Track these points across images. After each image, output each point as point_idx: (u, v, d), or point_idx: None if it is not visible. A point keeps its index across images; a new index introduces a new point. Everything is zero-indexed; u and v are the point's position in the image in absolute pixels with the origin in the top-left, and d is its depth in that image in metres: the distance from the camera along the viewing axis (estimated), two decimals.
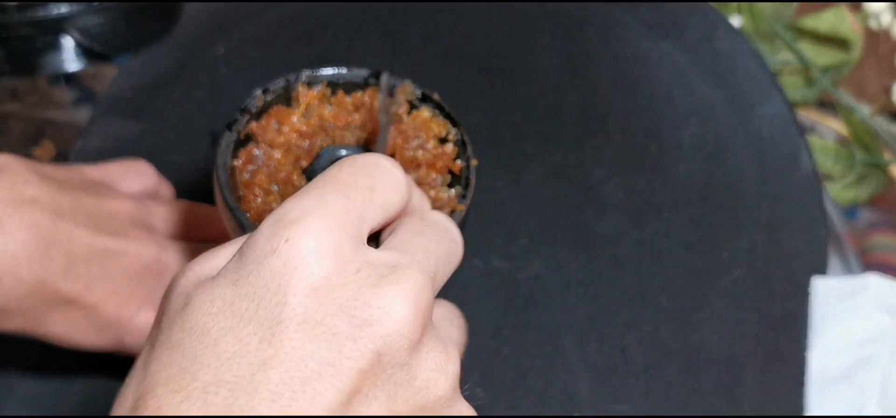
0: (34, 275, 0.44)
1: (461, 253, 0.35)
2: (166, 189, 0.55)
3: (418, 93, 0.46)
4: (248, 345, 0.28)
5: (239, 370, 0.28)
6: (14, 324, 0.45)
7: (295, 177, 0.44)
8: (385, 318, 0.29)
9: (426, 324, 0.30)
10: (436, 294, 0.33)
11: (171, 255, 0.48)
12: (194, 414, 0.27)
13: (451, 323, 0.34)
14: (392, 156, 0.45)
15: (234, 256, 0.31)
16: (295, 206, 0.30)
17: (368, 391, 0.29)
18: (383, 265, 0.30)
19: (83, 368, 0.52)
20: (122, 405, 0.29)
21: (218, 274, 0.30)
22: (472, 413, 0.32)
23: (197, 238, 0.51)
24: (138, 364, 0.30)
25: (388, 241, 0.33)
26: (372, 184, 0.32)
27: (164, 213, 0.51)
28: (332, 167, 0.32)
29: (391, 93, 0.45)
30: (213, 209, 0.51)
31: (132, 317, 0.47)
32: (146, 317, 0.47)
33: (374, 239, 0.34)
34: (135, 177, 0.52)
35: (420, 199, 0.36)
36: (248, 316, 0.29)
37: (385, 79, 0.44)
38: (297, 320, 0.29)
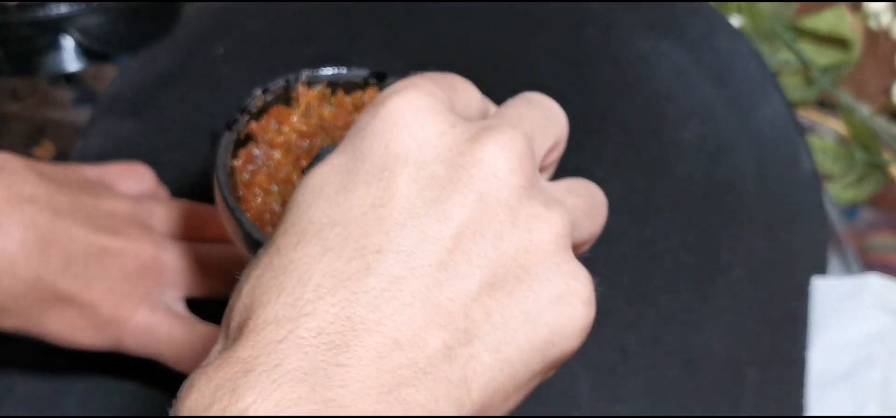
0: (32, 273, 0.44)
1: (562, 122, 0.36)
2: (164, 194, 0.54)
3: None
4: (357, 192, 0.30)
5: (350, 212, 0.30)
6: (11, 323, 0.45)
7: (295, 177, 0.44)
8: (483, 165, 0.31)
9: (529, 177, 0.32)
10: (540, 159, 0.35)
11: (169, 255, 0.48)
12: (311, 250, 0.29)
13: (571, 192, 0.35)
14: None
15: (344, 138, 0.33)
16: (390, 88, 0.33)
17: (476, 228, 0.30)
18: (476, 126, 0.32)
19: (83, 368, 0.52)
20: (251, 262, 0.31)
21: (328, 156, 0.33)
22: (581, 270, 0.32)
23: (196, 237, 0.51)
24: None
25: None
26: (452, 83, 0.34)
27: (162, 213, 0.51)
28: None
29: None
30: (212, 208, 0.51)
31: (130, 316, 0.47)
32: (144, 317, 0.47)
33: None
34: (133, 179, 0.52)
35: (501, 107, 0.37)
36: (356, 171, 0.31)
37: None
38: (401, 165, 0.31)
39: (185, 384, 0.28)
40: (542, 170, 0.36)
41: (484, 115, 0.36)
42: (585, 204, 0.36)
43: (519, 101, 0.35)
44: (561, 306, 0.31)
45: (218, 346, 0.30)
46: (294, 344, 0.27)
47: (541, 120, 0.35)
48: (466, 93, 0.35)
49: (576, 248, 0.35)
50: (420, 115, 0.32)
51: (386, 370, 0.28)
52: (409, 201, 0.30)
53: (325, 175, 0.31)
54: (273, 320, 0.28)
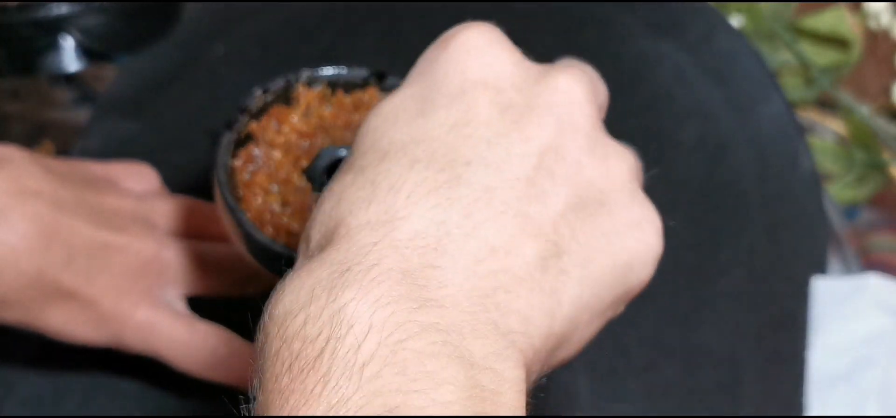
0: (35, 266, 0.44)
1: (605, 90, 0.36)
2: (166, 194, 0.54)
3: None
4: (437, 114, 0.30)
5: (433, 131, 0.30)
6: (13, 316, 0.45)
7: (295, 177, 0.44)
8: (559, 92, 0.31)
9: (597, 113, 0.32)
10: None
11: (171, 252, 0.48)
12: (399, 163, 0.29)
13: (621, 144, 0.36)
14: None
15: (408, 76, 0.33)
16: (450, 30, 0.33)
17: (557, 151, 0.30)
18: (542, 66, 0.33)
19: (84, 367, 0.52)
20: (327, 186, 0.31)
21: (395, 89, 0.33)
22: (651, 203, 0.33)
23: (199, 235, 0.51)
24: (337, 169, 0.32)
25: None
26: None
27: (165, 210, 0.51)
28: None
29: None
30: (214, 205, 0.51)
31: (131, 313, 0.47)
32: (144, 314, 0.47)
33: None
34: (137, 178, 0.52)
35: None
36: (431, 97, 0.31)
37: None
38: (480, 88, 0.31)
39: (275, 292, 0.27)
40: None
41: None
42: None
43: (571, 60, 0.35)
44: (638, 233, 0.32)
45: (300, 260, 0.30)
46: (390, 247, 0.27)
47: (595, 78, 0.35)
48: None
49: None
50: (493, 46, 0.32)
51: (482, 274, 0.28)
52: (492, 121, 0.30)
53: (396, 103, 0.31)
54: (366, 225, 0.28)
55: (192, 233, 0.51)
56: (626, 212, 0.32)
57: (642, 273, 0.32)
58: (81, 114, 0.63)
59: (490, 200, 0.29)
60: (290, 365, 0.25)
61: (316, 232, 0.29)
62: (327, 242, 0.28)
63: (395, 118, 0.31)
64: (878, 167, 0.63)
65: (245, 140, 0.45)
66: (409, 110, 0.31)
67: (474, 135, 0.30)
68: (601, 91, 0.35)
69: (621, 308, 0.33)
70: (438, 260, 0.27)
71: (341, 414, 0.24)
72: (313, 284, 0.26)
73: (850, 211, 0.64)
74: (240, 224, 0.42)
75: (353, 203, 0.29)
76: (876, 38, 0.67)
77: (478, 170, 0.29)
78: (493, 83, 0.31)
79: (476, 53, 0.32)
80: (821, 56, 0.66)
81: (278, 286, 0.28)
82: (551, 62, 0.35)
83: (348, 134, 0.46)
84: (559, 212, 0.30)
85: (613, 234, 0.31)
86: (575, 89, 0.32)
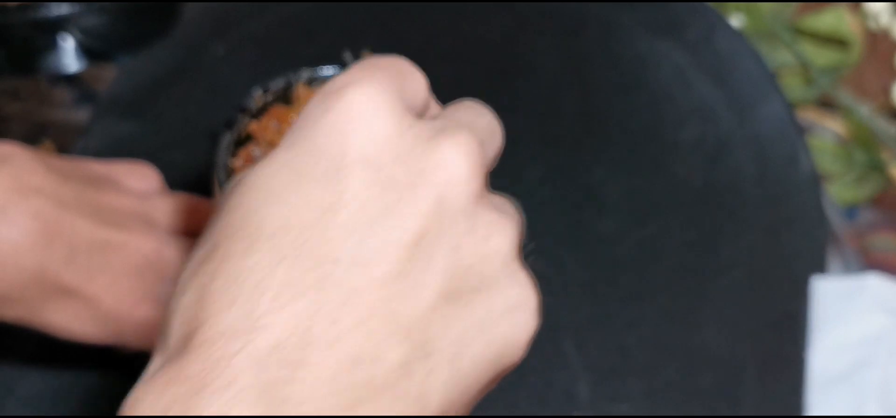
0: (36, 263, 0.44)
1: (500, 135, 0.35)
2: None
3: None
4: (311, 193, 0.29)
5: (304, 215, 0.28)
6: (14, 313, 0.45)
7: None
8: (443, 166, 0.30)
9: (482, 182, 0.31)
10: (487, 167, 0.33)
11: (172, 251, 0.49)
12: (265, 257, 0.27)
13: (505, 204, 0.34)
14: None
15: (286, 134, 0.31)
16: (340, 78, 0.31)
17: (434, 236, 0.29)
18: (432, 127, 0.31)
19: (84, 367, 0.52)
20: (187, 268, 0.29)
21: (271, 151, 0.31)
22: (529, 279, 0.32)
23: (200, 233, 0.51)
24: (199, 241, 0.30)
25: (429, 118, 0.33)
26: (402, 71, 0.32)
27: (166, 208, 0.51)
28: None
29: None
30: (215, 205, 0.51)
31: (132, 311, 0.47)
32: (145, 312, 0.47)
33: None
34: (139, 177, 0.52)
35: (436, 105, 0.36)
36: (308, 169, 0.29)
37: None
38: (359, 166, 0.29)
39: (128, 400, 0.26)
40: None
41: (427, 108, 0.34)
42: (519, 219, 0.35)
43: (465, 106, 0.34)
44: (514, 316, 0.31)
45: (158, 358, 0.28)
46: (249, 359, 0.26)
47: (487, 128, 0.33)
48: (415, 82, 0.33)
49: None
50: (379, 112, 0.30)
51: (343, 388, 0.27)
52: (367, 206, 0.29)
53: (272, 173, 0.29)
54: (226, 332, 0.26)
55: (192, 231, 0.51)
56: (502, 296, 0.30)
57: (514, 357, 0.31)
58: (81, 114, 0.63)
59: (357, 304, 0.27)
60: None
61: (176, 324, 0.28)
62: (186, 344, 0.27)
63: (267, 194, 0.29)
64: (878, 167, 0.63)
65: (245, 140, 0.45)
66: (282, 183, 0.29)
67: (347, 223, 0.28)
68: (495, 142, 0.34)
69: (491, 388, 0.32)
70: (299, 372, 0.26)
71: None
72: (169, 402, 0.25)
73: (850, 211, 0.64)
74: None
75: (215, 302, 0.27)
76: (876, 38, 0.67)
77: (346, 269, 0.28)
78: (373, 160, 0.29)
79: (359, 123, 0.30)
80: (821, 56, 0.66)
81: (134, 391, 0.26)
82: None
83: None
84: (431, 305, 0.29)
85: (488, 322, 0.30)
86: (461, 165, 0.30)
